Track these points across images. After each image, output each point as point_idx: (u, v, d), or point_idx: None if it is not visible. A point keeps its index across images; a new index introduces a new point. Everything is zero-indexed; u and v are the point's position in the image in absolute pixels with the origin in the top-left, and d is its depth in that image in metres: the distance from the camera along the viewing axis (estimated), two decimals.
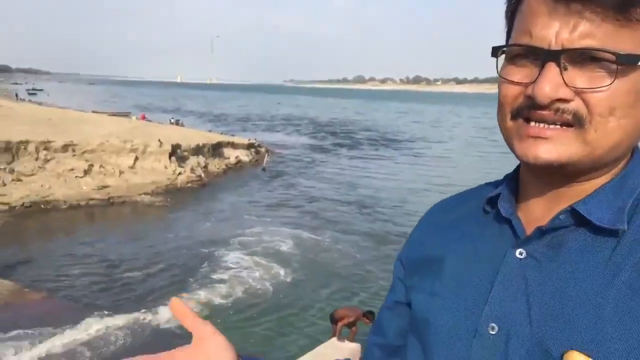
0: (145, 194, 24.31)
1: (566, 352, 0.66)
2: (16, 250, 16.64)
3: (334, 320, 8.25)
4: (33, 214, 20.89)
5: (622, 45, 0.66)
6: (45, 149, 24.43)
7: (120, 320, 11.86)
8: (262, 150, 37.64)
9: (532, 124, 0.71)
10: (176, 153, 28.29)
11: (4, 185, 21.80)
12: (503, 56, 0.75)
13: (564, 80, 0.68)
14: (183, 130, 37.91)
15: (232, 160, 33.15)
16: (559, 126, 0.70)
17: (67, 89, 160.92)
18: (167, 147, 27.60)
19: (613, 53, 0.65)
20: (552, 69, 0.68)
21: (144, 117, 48.92)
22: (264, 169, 32.79)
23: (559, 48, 0.67)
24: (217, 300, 13.87)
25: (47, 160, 24.22)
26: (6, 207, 20.41)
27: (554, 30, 0.68)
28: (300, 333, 12.53)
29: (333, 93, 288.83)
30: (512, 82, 0.73)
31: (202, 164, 29.77)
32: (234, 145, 34.56)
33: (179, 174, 27.19)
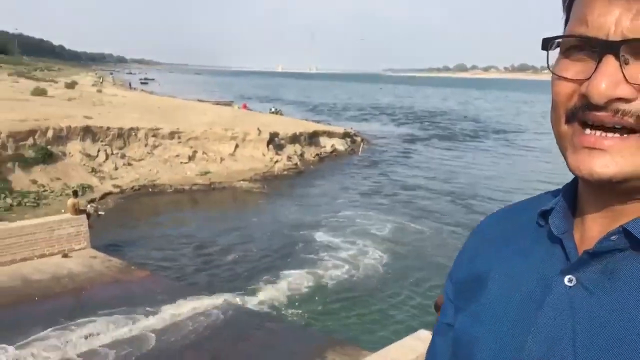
0: (244, 180, 25.17)
1: None
2: (126, 230, 17.84)
3: (437, 308, 8.14)
4: (141, 196, 22.28)
5: None
6: (154, 135, 25.90)
7: (217, 299, 12.38)
8: (358, 139, 37.70)
9: (588, 131, 0.61)
10: (274, 141, 29.01)
11: (116, 169, 23.39)
12: (558, 50, 0.65)
13: (625, 76, 0.57)
14: (281, 119, 38.78)
15: (328, 148, 33.50)
16: (618, 135, 0.59)
17: (175, 79, 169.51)
18: (266, 136, 28.38)
19: None
20: (610, 62, 0.58)
21: (245, 107, 50.53)
22: (359, 157, 32.91)
23: (619, 38, 0.57)
24: (311, 283, 14.12)
25: (155, 147, 25.68)
26: (118, 190, 21.90)
27: (613, 18, 0.58)
28: (392, 320, 12.50)
29: (433, 82, 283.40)
30: (566, 79, 0.63)
31: (299, 152, 30.33)
32: (329, 134, 34.89)
33: (276, 161, 27.88)
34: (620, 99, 0.58)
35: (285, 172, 27.55)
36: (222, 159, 26.80)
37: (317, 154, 32.10)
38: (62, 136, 22.48)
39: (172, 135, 26.38)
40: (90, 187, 21.17)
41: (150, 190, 22.98)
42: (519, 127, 56.03)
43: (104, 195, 21.06)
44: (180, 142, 26.44)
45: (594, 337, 0.62)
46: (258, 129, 28.69)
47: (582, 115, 0.61)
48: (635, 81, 0.57)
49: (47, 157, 21.17)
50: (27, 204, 18.24)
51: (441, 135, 47.67)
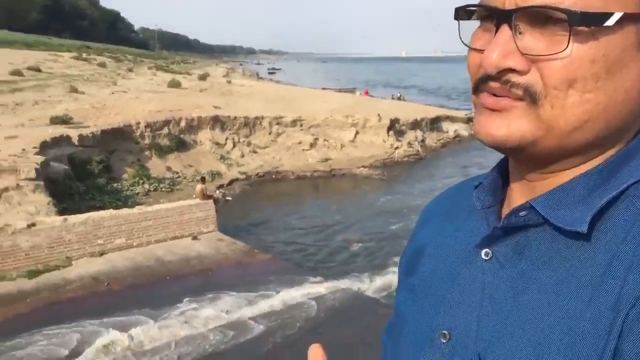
0: (364, 167, 25.29)
1: None
2: (251, 215, 18.69)
3: None
4: (265, 183, 23.20)
5: (589, 2, 0.53)
6: (277, 123, 26.77)
7: (333, 284, 12.62)
8: None
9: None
10: (394, 127, 28.78)
11: (243, 156, 24.52)
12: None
13: (517, 46, 0.56)
14: (402, 105, 38.35)
15: (451, 134, 32.63)
16: (512, 99, 0.58)
17: (302, 67, 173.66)
18: (386, 122, 28.22)
19: (564, 11, 0.52)
20: (504, 32, 0.56)
21: (367, 93, 50.60)
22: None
23: (513, 7, 0.55)
24: None
25: (278, 134, 26.55)
26: (244, 176, 22.97)
27: None
28: None
29: None
30: (475, 50, 0.61)
31: (420, 138, 29.85)
32: (452, 119, 33.94)
33: (397, 147, 27.66)
34: (512, 70, 0.56)
35: (406, 159, 27.26)
36: (342, 146, 27.09)
37: (439, 140, 31.41)
38: (193, 125, 23.96)
39: (294, 123, 27.10)
40: (219, 174, 22.39)
41: (273, 176, 23.85)
42: None
43: (231, 182, 22.18)
44: (302, 130, 27.10)
45: (495, 310, 0.62)
46: (378, 115, 28.60)
47: (483, 86, 0.60)
48: (527, 52, 0.55)
49: (180, 145, 22.69)
50: (163, 189, 19.71)
51: None
